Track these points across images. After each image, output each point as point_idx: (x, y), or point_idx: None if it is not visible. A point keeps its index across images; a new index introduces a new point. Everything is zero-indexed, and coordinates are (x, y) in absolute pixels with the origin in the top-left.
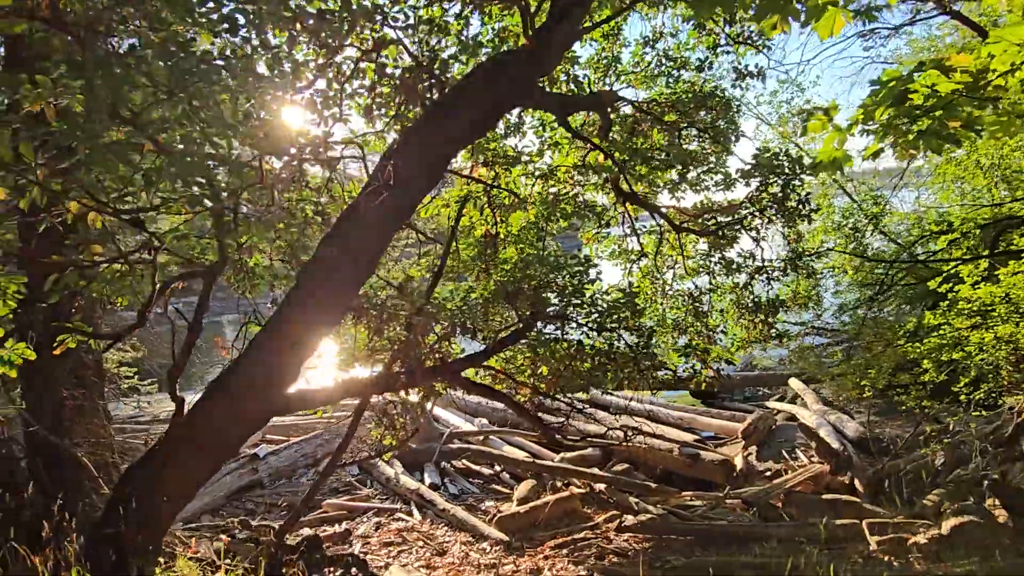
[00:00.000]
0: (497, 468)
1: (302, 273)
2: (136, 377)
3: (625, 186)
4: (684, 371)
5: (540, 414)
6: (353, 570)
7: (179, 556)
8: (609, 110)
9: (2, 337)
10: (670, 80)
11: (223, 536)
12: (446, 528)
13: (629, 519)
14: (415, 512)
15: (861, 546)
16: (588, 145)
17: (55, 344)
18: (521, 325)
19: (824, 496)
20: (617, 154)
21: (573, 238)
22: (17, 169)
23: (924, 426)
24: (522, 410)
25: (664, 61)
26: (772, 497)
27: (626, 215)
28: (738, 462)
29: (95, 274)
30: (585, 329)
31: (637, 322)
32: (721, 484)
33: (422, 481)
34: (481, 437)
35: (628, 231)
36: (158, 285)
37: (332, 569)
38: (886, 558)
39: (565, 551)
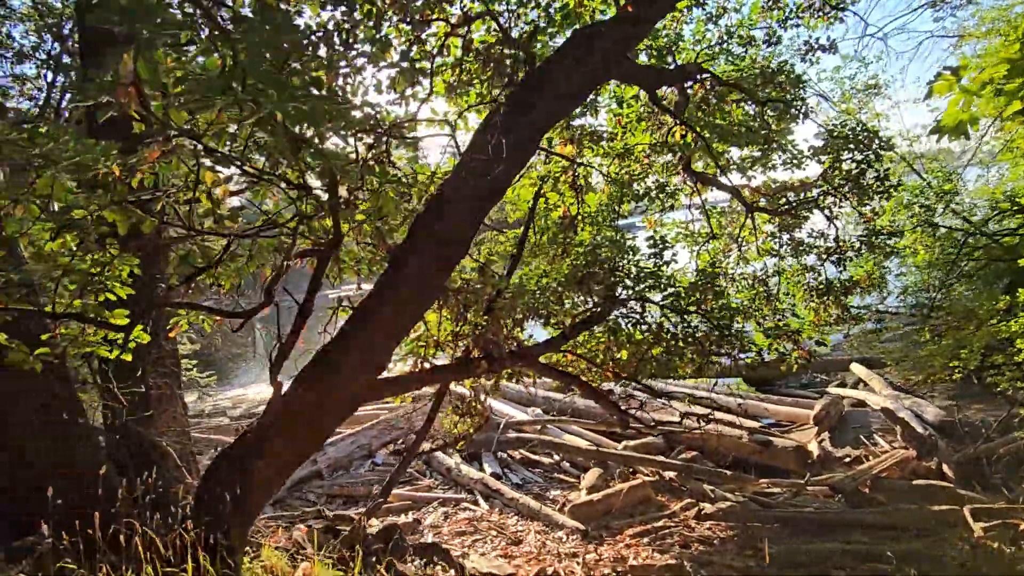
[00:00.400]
0: (556, 457)
1: (393, 257)
2: (195, 369)
3: (697, 166)
4: (769, 353)
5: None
6: (435, 558)
7: (264, 546)
8: (686, 86)
9: (130, 324)
10: (731, 57)
11: (301, 526)
12: (516, 517)
13: (708, 507)
14: (481, 502)
15: (964, 533)
16: (662, 123)
17: (169, 327)
18: (598, 309)
19: (914, 482)
20: (699, 129)
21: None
22: (171, 133)
23: (1017, 408)
24: (599, 396)
25: (726, 38)
26: (859, 483)
27: (695, 196)
28: (812, 448)
29: (222, 251)
30: (656, 313)
31: (718, 303)
32: (796, 471)
33: (482, 471)
34: (538, 426)
35: (697, 213)
36: (289, 262)
37: (413, 557)
38: (996, 545)
39: (646, 540)
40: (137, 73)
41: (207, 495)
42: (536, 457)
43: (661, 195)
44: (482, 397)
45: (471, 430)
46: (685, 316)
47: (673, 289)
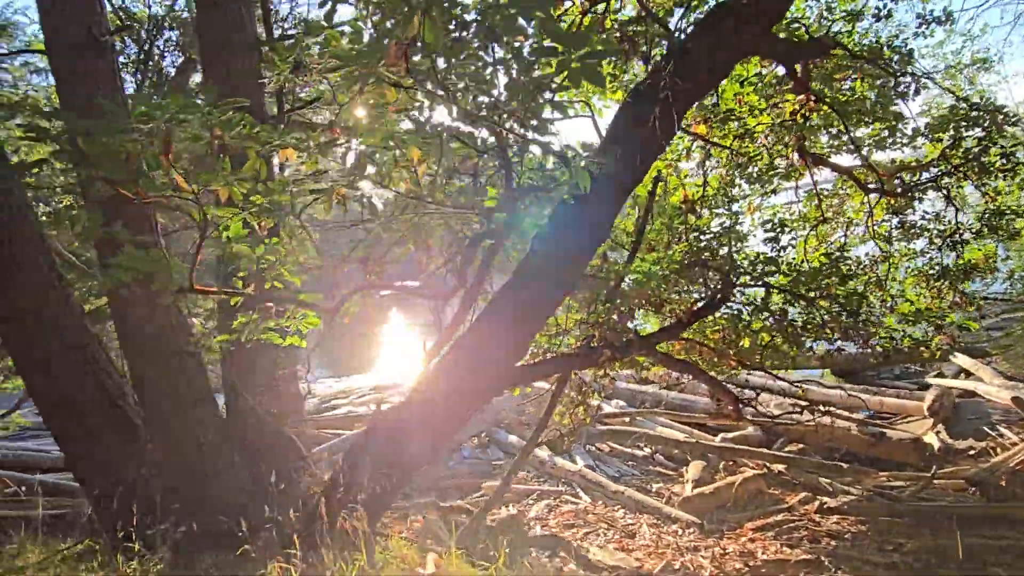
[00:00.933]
0: (648, 450)
1: (534, 241)
2: None
3: (813, 146)
4: (902, 341)
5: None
6: (558, 550)
7: (391, 536)
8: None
9: (335, 307)
10: (831, 33)
11: (418, 517)
12: (623, 510)
13: (829, 500)
14: (582, 494)
15: None
16: (782, 102)
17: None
18: (718, 297)
19: None
20: (824, 109)
21: None
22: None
23: None
24: (717, 385)
25: (826, 14)
26: (998, 476)
27: (800, 178)
28: (931, 440)
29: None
30: (774, 300)
31: (846, 288)
32: (913, 464)
33: (573, 463)
34: (627, 418)
35: (803, 195)
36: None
37: (536, 549)
38: None
39: (771, 534)
40: (421, 36)
41: (344, 482)
42: (626, 449)
43: (775, 177)
44: (596, 386)
45: (587, 420)
46: (811, 303)
47: (795, 274)
